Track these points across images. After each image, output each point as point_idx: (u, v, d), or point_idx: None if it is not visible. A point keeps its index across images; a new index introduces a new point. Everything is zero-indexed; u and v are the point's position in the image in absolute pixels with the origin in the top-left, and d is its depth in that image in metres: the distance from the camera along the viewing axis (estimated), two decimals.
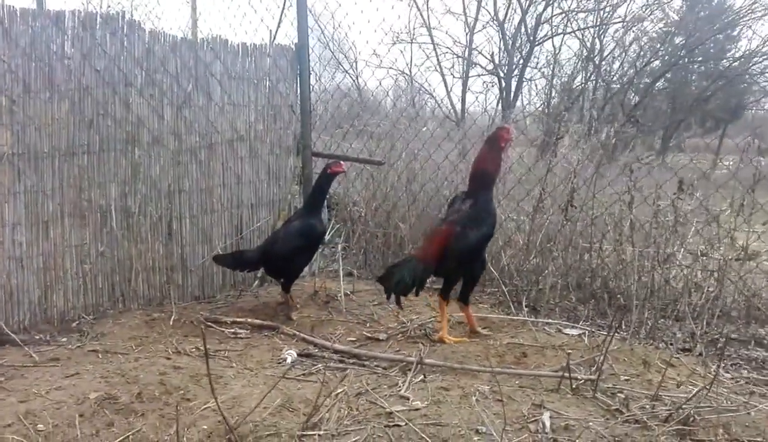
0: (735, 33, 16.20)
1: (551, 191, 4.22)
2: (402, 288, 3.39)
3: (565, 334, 3.52)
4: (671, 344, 3.42)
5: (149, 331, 3.50)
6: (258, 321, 3.62)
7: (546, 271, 4.27)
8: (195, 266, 4.23)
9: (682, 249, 4.22)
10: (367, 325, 3.71)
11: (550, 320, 3.77)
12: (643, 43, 15.65)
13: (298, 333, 3.43)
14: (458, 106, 14.19)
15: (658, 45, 15.78)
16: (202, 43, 4.30)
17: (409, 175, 5.68)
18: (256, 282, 4.50)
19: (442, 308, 3.53)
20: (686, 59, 16.11)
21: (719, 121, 17.06)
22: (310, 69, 5.02)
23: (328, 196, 5.93)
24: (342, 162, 4.10)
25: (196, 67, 4.23)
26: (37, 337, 3.38)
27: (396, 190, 5.78)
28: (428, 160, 5.58)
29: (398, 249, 5.32)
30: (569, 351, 3.18)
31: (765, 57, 14.65)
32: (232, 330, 3.51)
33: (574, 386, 2.67)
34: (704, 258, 4.20)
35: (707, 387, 2.63)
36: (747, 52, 15.01)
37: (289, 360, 3.07)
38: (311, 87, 5.04)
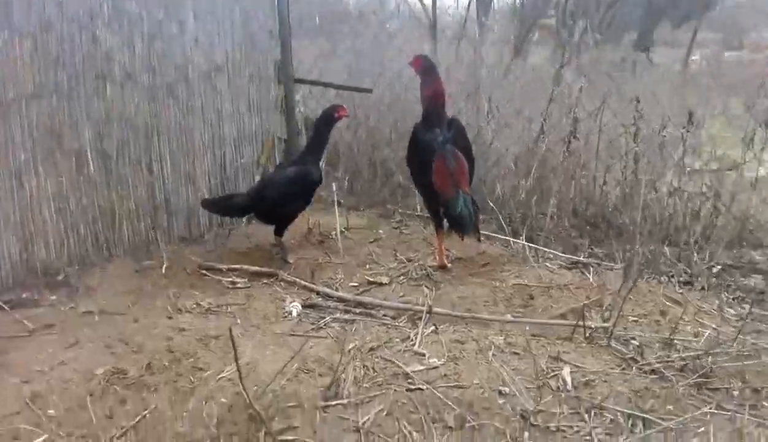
0: None
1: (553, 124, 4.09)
2: (475, 225, 3.43)
3: (567, 268, 3.51)
4: (672, 277, 3.44)
5: (142, 282, 3.36)
6: (255, 268, 3.50)
7: (544, 200, 4.22)
8: (179, 207, 4.04)
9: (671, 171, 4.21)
10: (367, 266, 3.63)
11: (549, 251, 3.74)
12: None
13: (298, 280, 3.34)
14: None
15: None
16: None
17: (393, 97, 5.48)
18: (245, 220, 4.34)
19: (439, 237, 3.58)
20: None
21: (690, 16, 16.83)
22: None
23: (305, 117, 5.74)
24: (344, 107, 3.86)
25: None
26: (24, 295, 3.22)
27: (380, 113, 5.59)
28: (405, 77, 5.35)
29: (384, 175, 5.20)
30: (575, 290, 3.19)
31: None
32: (230, 279, 3.39)
33: (587, 335, 2.67)
34: (694, 176, 4.21)
35: (717, 330, 2.67)
36: None
37: (294, 313, 2.99)
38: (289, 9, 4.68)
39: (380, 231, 4.20)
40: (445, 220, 3.51)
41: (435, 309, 2.92)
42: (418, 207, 4.47)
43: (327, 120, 3.82)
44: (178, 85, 3.98)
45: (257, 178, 4.42)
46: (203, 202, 3.89)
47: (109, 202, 3.72)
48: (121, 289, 3.30)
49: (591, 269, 3.47)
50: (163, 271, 3.50)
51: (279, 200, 3.66)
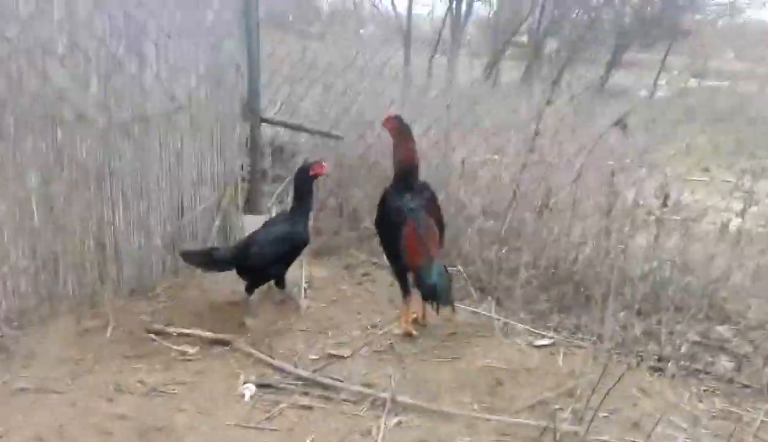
0: None
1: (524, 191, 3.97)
2: (450, 296, 3.34)
3: (536, 346, 3.38)
4: (642, 360, 3.34)
5: (83, 350, 3.11)
6: (208, 334, 3.28)
7: (511, 258, 4.10)
8: (130, 255, 3.79)
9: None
10: (329, 333, 3.45)
11: (518, 324, 3.62)
12: None
13: (254, 352, 3.14)
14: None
15: None
16: None
17: (364, 141, 5.29)
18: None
19: (407, 305, 3.45)
20: None
21: (658, 38, 16.96)
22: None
23: (274, 147, 5.53)
24: (324, 163, 3.66)
25: (127, 26, 3.61)
26: None
27: (349, 146, 5.40)
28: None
29: (352, 216, 5.01)
30: (545, 375, 3.07)
31: None
32: (179, 347, 3.17)
33: (557, 439, 2.54)
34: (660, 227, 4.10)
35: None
36: None
37: (247, 396, 2.79)
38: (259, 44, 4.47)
39: (344, 288, 4.02)
40: (415, 288, 3.36)
41: (398, 397, 2.76)
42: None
43: (303, 178, 3.64)
44: (135, 124, 3.74)
45: (216, 223, 4.20)
46: (183, 254, 3.69)
47: (54, 252, 3.46)
48: (63, 355, 3.05)
49: (560, 349, 3.35)
50: (108, 334, 3.26)
51: (264, 260, 3.51)
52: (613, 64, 14.86)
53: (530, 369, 3.10)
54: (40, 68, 3.27)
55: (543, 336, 3.49)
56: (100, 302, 3.55)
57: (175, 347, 3.18)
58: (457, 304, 3.81)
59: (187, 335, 3.28)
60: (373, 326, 3.54)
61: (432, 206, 3.45)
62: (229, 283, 3.81)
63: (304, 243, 3.65)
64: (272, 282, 3.75)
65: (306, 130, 4.70)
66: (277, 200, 4.84)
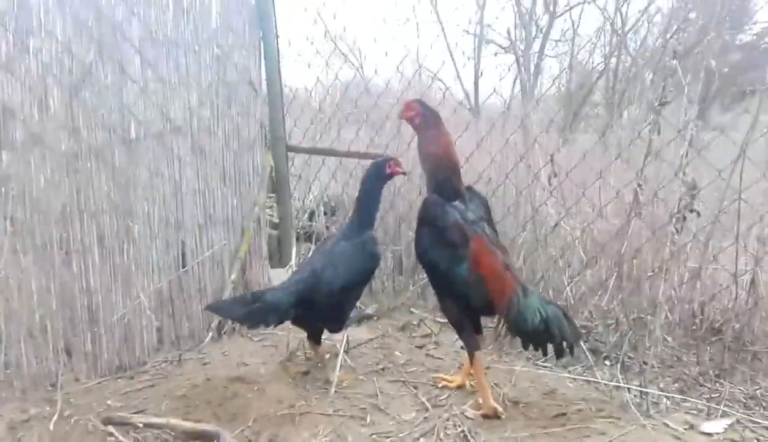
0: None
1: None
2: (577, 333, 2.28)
3: (704, 432, 2.08)
4: None
5: None
6: (188, 424, 2.21)
7: (637, 305, 2.84)
8: (109, 322, 2.83)
9: None
10: (368, 419, 2.29)
11: (665, 394, 2.34)
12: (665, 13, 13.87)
13: None
14: (471, 93, 12.55)
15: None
16: None
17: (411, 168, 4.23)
18: (209, 337, 3.10)
19: (476, 366, 2.31)
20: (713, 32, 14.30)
21: (743, 95, 15.28)
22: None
23: (321, 201, 4.59)
24: (398, 159, 2.69)
25: (99, 27, 2.83)
26: None
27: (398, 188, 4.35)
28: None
29: (412, 264, 3.90)
30: None
31: None
32: None
33: None
34: None
35: None
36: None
37: None
38: (280, 55, 3.60)
39: (397, 354, 2.87)
40: (507, 333, 2.23)
41: None
42: None
43: (376, 178, 2.67)
44: (114, 149, 2.87)
45: (232, 277, 3.21)
46: (213, 307, 2.68)
47: (4, 315, 2.56)
48: None
49: (744, 433, 2.03)
50: (51, 426, 2.25)
51: (342, 289, 2.54)
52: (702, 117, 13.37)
53: None
54: None
55: (709, 415, 2.18)
56: (67, 379, 2.60)
57: None
58: (563, 370, 2.61)
59: (158, 426, 2.21)
60: (436, 406, 2.36)
61: (488, 216, 2.39)
62: (237, 354, 2.79)
63: (378, 264, 2.71)
64: (288, 353, 2.70)
65: (338, 154, 3.71)
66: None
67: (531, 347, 2.21)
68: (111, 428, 2.23)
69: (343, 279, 2.54)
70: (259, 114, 3.41)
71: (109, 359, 2.83)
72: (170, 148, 3.07)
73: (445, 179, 2.31)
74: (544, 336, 2.14)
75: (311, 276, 2.55)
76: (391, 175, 2.68)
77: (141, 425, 2.23)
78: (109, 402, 2.46)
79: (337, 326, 2.64)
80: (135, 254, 2.93)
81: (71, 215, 2.75)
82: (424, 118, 2.35)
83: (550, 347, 2.16)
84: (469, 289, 2.21)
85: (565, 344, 2.15)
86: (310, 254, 3.22)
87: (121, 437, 2.17)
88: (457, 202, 2.28)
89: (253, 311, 2.45)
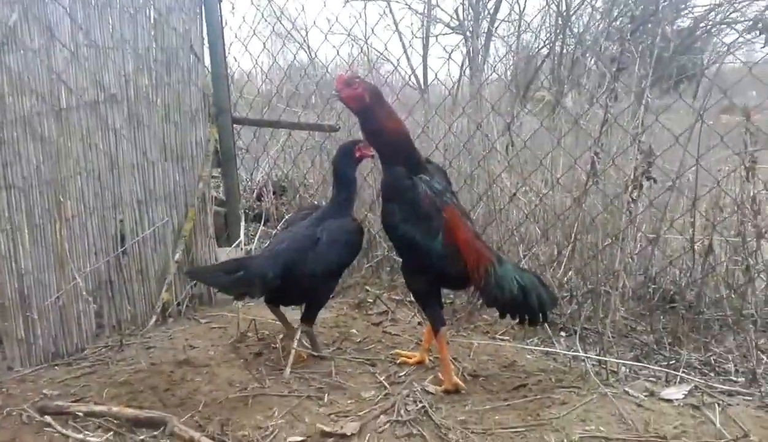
0: None
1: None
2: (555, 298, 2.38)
3: (664, 399, 2.08)
4: None
5: None
6: (131, 411, 2.06)
7: (594, 273, 2.84)
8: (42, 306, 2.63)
9: None
10: (325, 397, 2.20)
11: (624, 362, 2.34)
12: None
13: (197, 437, 1.89)
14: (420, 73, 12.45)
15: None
16: None
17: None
18: (153, 320, 2.92)
19: (440, 341, 2.25)
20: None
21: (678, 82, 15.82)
22: None
23: (268, 180, 4.43)
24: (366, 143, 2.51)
25: None
26: None
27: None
28: None
29: (365, 245, 3.80)
30: None
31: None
32: (79, 437, 1.95)
33: None
34: None
35: None
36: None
37: None
38: (224, 21, 3.41)
39: (353, 331, 2.78)
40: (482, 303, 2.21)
41: None
42: None
43: (346, 161, 2.55)
44: (43, 119, 2.65)
45: (176, 257, 3.03)
46: (192, 272, 2.65)
47: None
48: None
49: (703, 399, 2.03)
50: None
51: (326, 270, 2.44)
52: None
53: (667, 437, 1.80)
54: None
55: (668, 382, 2.19)
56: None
57: (74, 436, 1.96)
58: (521, 343, 2.58)
59: (99, 414, 2.06)
60: (395, 383, 2.29)
61: (453, 191, 2.33)
62: (184, 337, 2.65)
63: (359, 249, 2.65)
64: (239, 333, 2.57)
65: (291, 126, 3.56)
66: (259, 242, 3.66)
67: (508, 317, 2.17)
68: (48, 419, 2.06)
69: (332, 260, 2.45)
70: (201, 83, 3.22)
71: (45, 346, 2.62)
72: (105, 119, 2.85)
73: (409, 153, 2.22)
74: (523, 304, 2.10)
75: (293, 248, 2.42)
76: (360, 159, 2.58)
77: (81, 414, 2.07)
78: (45, 391, 2.28)
79: (313, 312, 2.50)
80: (69, 233, 2.72)
81: None
82: (372, 93, 2.23)
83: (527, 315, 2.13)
84: (446, 262, 2.13)
85: (542, 311, 2.13)
86: (279, 232, 3.05)
87: (59, 428, 2.01)
88: (422, 175, 2.20)
89: (238, 280, 2.32)
